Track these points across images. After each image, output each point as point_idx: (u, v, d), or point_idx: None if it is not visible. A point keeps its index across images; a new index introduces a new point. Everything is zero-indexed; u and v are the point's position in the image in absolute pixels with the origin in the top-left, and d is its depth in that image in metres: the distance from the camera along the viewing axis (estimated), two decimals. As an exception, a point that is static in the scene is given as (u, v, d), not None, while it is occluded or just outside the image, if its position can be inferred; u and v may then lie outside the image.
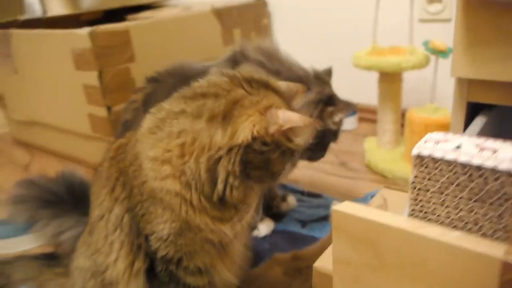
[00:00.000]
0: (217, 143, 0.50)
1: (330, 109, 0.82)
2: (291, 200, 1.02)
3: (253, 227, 0.91)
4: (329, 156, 1.31)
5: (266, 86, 0.55)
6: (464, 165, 0.34)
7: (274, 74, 0.79)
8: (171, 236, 0.56)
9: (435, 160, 0.35)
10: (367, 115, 1.57)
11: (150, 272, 0.60)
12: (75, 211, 0.90)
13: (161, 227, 0.56)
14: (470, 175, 0.34)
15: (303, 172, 1.23)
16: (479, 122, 0.66)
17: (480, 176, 0.33)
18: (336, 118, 0.83)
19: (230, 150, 0.50)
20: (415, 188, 0.37)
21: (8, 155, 1.58)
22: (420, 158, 0.36)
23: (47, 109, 1.40)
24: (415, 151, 0.36)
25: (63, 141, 1.42)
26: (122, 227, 0.59)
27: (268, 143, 0.51)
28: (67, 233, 0.88)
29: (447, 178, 0.35)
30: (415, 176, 0.37)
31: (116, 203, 0.60)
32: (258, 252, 0.87)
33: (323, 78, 0.88)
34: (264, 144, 0.51)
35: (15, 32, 1.35)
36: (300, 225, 0.96)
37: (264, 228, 0.92)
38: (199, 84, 0.55)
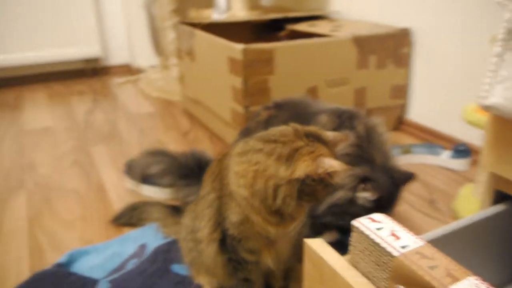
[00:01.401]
0: (281, 175, 0.76)
1: (362, 185, 0.97)
2: None
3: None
4: (422, 191, 1.44)
5: (319, 139, 0.79)
6: (372, 240, 0.54)
7: (365, 157, 0.99)
8: (236, 222, 0.84)
9: (359, 231, 0.56)
10: (483, 160, 1.59)
11: (223, 242, 0.90)
12: (200, 182, 1.27)
13: (232, 215, 0.85)
14: (374, 248, 0.54)
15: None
16: (498, 207, 0.79)
17: (376, 250, 0.53)
18: (362, 195, 0.97)
19: (289, 181, 0.76)
20: (351, 245, 0.59)
21: (176, 121, 2.08)
22: (354, 226, 0.57)
23: (207, 94, 1.82)
24: (354, 222, 0.58)
25: (213, 121, 1.84)
26: (212, 207, 0.91)
27: (316, 180, 0.75)
28: (191, 197, 1.26)
29: (364, 245, 0.56)
30: (350, 237, 0.58)
31: (213, 190, 0.91)
32: None
33: (391, 174, 1.01)
34: (313, 180, 0.75)
35: (198, 32, 1.77)
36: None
37: (328, 236, 1.15)
38: (274, 132, 0.81)
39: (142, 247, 1.14)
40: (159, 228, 1.20)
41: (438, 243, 0.70)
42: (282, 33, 2.04)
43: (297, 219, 0.83)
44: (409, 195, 1.41)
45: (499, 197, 0.81)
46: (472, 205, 1.31)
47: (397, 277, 0.53)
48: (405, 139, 1.84)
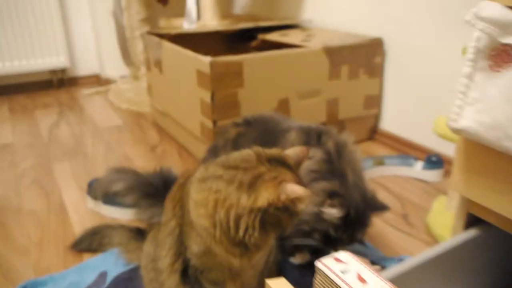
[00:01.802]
0: (242, 204, 0.70)
1: (328, 201, 0.92)
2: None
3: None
4: (396, 204, 1.41)
5: (282, 163, 0.73)
6: (337, 285, 0.49)
7: (335, 172, 0.95)
8: (198, 253, 0.78)
9: (323, 274, 0.51)
10: (456, 171, 1.57)
11: (185, 273, 0.84)
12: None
13: (194, 245, 0.78)
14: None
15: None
16: (470, 231, 0.75)
17: None
18: (328, 210, 0.92)
19: (251, 210, 0.70)
20: (315, 285, 0.54)
21: (144, 134, 2.00)
22: (317, 268, 0.52)
23: (175, 106, 1.75)
24: (317, 263, 0.52)
25: (182, 134, 1.77)
26: (173, 235, 0.84)
27: (279, 208, 0.70)
28: (156, 218, 1.19)
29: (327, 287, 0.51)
30: (316, 278, 0.53)
31: (174, 217, 0.85)
32: (284, 277, 1.05)
33: (364, 194, 0.97)
34: (276, 209, 0.70)
35: (165, 43, 1.71)
36: (331, 263, 1.11)
37: (299, 258, 1.10)
38: (234, 158, 0.76)
39: (102, 275, 1.07)
40: (120, 254, 1.12)
41: (409, 275, 0.66)
42: (254, 43, 1.99)
43: (263, 248, 0.78)
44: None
45: (472, 220, 0.77)
46: (445, 219, 1.28)
47: (363, 325, 0.48)
48: (379, 150, 1.81)
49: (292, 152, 0.76)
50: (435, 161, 1.56)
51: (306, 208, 0.73)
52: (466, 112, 0.61)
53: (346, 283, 0.49)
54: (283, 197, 0.68)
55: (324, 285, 0.52)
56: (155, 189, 1.25)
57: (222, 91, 1.41)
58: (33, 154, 1.79)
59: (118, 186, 1.29)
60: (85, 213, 1.35)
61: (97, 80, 2.84)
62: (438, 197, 1.40)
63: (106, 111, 2.31)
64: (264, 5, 2.53)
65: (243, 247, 0.75)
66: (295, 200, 0.69)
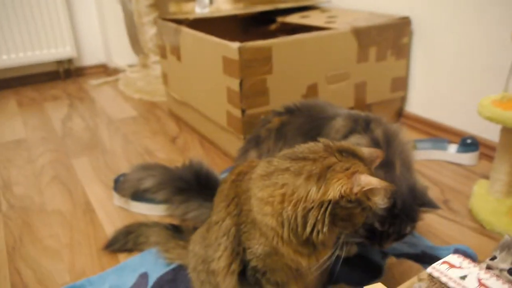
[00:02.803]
0: (312, 197, 0.65)
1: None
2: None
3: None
4: (434, 190, 1.36)
5: (354, 155, 0.67)
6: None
7: (382, 162, 0.89)
8: (262, 254, 0.73)
9: (440, 282, 0.46)
10: (492, 153, 1.52)
11: (242, 275, 0.79)
12: (199, 196, 1.14)
13: (256, 246, 0.73)
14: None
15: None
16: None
17: None
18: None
19: (321, 203, 0.64)
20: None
21: (162, 125, 1.93)
22: (431, 276, 0.47)
23: (197, 96, 1.68)
24: (429, 269, 0.47)
25: (205, 125, 1.70)
26: (228, 235, 0.78)
27: (352, 201, 0.64)
28: (191, 214, 1.13)
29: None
30: (428, 286, 0.48)
31: (228, 216, 0.79)
32: (333, 272, 1.00)
33: (413, 187, 0.91)
34: (349, 202, 0.64)
35: (184, 30, 1.62)
36: (381, 256, 1.06)
37: (347, 251, 1.05)
38: (301, 150, 0.70)
39: (143, 276, 1.02)
40: (159, 253, 1.07)
41: None
42: (273, 27, 1.91)
43: (331, 247, 0.73)
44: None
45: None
46: (489, 204, 1.24)
47: None
48: (408, 134, 1.75)
49: (368, 151, 0.70)
50: (470, 143, 1.51)
51: (381, 202, 0.67)
52: None
53: (472, 293, 0.44)
54: (356, 189, 0.62)
55: (441, 295, 0.47)
56: (187, 184, 1.20)
57: (251, 78, 1.35)
58: (49, 149, 1.72)
59: (148, 183, 1.24)
60: (113, 211, 1.30)
61: (105, 70, 2.75)
62: (478, 181, 1.35)
63: (118, 102, 2.24)
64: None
65: (311, 246, 0.70)
66: (368, 193, 0.64)
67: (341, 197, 0.63)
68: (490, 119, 1.16)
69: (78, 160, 1.62)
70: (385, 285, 0.54)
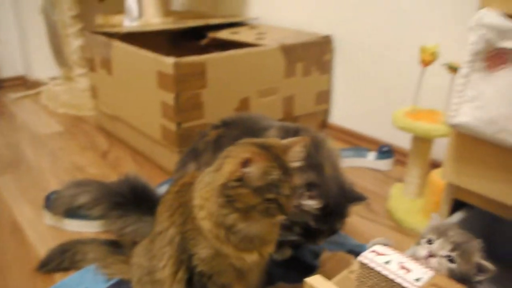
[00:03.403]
0: (214, 186, 0.71)
1: (307, 193, 0.93)
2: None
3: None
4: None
5: (263, 146, 0.71)
6: (385, 277, 0.53)
7: (312, 164, 0.97)
8: (207, 258, 0.77)
9: (368, 267, 0.55)
10: (405, 159, 1.70)
11: (189, 282, 0.83)
12: (136, 210, 1.15)
13: (201, 250, 0.77)
14: (387, 284, 0.53)
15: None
16: (456, 215, 0.83)
17: (390, 285, 0.52)
18: (307, 202, 0.93)
19: (218, 189, 0.69)
20: (358, 280, 0.57)
21: (91, 139, 1.89)
22: (361, 263, 0.56)
23: (130, 110, 1.68)
24: (359, 257, 0.56)
25: (138, 139, 1.71)
26: (172, 244, 0.82)
27: (238, 181, 0.68)
28: (129, 228, 1.14)
29: (373, 281, 0.54)
30: (358, 273, 0.57)
31: (172, 226, 0.83)
32: (270, 274, 1.06)
33: (343, 186, 0.99)
34: (236, 182, 0.68)
35: (116, 43, 1.63)
36: (314, 257, 1.15)
37: (281, 254, 1.13)
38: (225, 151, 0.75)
39: (83, 294, 1.01)
40: (98, 269, 1.07)
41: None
42: (204, 42, 1.97)
43: (272, 241, 0.79)
44: (347, 201, 1.45)
45: (455, 205, 0.85)
46: (404, 204, 1.39)
47: (412, 312, 0.52)
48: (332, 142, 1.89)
49: (284, 141, 0.74)
50: (386, 151, 1.68)
51: (261, 178, 0.68)
52: (464, 109, 0.67)
53: (393, 273, 0.53)
54: (240, 170, 0.67)
55: (369, 277, 0.56)
56: (123, 198, 1.20)
57: (186, 92, 1.39)
58: (-34, 169, 1.61)
59: (83, 199, 1.23)
60: (44, 230, 1.26)
61: (23, 82, 2.61)
62: (394, 185, 1.51)
63: (41, 117, 2.15)
64: (205, 1, 2.51)
65: (250, 240, 0.75)
66: (248, 174, 0.67)
67: (228, 179, 0.68)
68: (402, 129, 1.31)
69: (1, 179, 1.54)
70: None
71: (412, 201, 1.41)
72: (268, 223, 0.75)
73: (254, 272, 0.83)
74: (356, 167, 1.70)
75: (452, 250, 0.63)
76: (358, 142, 1.86)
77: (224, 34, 1.90)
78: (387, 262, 0.55)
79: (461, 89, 0.67)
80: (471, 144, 0.73)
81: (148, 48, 1.52)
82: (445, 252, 0.63)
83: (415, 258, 0.62)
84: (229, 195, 0.69)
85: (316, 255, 1.16)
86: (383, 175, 1.65)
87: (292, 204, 0.72)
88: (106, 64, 1.72)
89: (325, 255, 1.15)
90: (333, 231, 1.01)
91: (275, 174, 0.67)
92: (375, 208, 1.43)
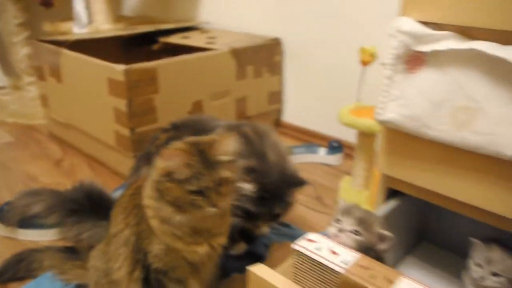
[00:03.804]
0: (151, 182, 0.76)
1: (245, 177, 0.98)
2: (265, 228, 1.25)
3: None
4: (308, 189, 1.57)
5: (192, 143, 0.76)
6: (315, 261, 0.60)
7: (255, 152, 1.01)
8: (160, 254, 0.81)
9: (301, 253, 0.61)
10: (353, 153, 1.80)
11: (145, 281, 0.86)
12: (92, 216, 1.16)
13: (155, 247, 0.81)
14: (318, 267, 0.60)
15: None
16: (390, 202, 0.92)
17: (324, 270, 0.59)
18: (243, 185, 0.97)
19: (153, 184, 0.75)
20: (294, 267, 0.64)
21: (43, 148, 1.87)
22: (295, 250, 0.62)
23: (82, 117, 1.68)
24: (293, 245, 0.62)
25: (92, 145, 1.71)
26: (128, 244, 0.85)
27: (165, 177, 0.73)
28: (85, 234, 1.15)
29: (306, 266, 0.61)
30: (293, 259, 0.63)
31: (127, 227, 0.86)
32: (225, 267, 1.11)
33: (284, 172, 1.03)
34: (164, 176, 0.73)
35: (64, 52, 1.62)
36: (266, 249, 1.21)
37: (237, 249, 1.18)
38: None
39: (41, 302, 1.02)
40: (55, 276, 1.08)
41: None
42: (155, 47, 1.99)
43: (223, 233, 0.83)
44: (298, 195, 1.52)
45: (389, 193, 0.94)
46: (352, 196, 1.48)
47: (343, 290, 0.58)
48: (284, 141, 1.96)
49: (216, 135, 0.81)
50: (336, 146, 1.77)
51: (182, 172, 0.73)
52: (389, 107, 0.75)
53: (323, 257, 0.60)
54: (162, 164, 0.73)
55: (303, 263, 0.62)
56: (78, 205, 1.22)
57: (138, 98, 1.42)
58: None
59: (37, 208, 1.23)
60: (-3, 242, 1.25)
61: (-32, 93, 2.52)
62: (343, 178, 1.60)
63: (-11, 127, 2.09)
64: (155, 6, 2.52)
65: (198, 233, 0.79)
66: (170, 169, 0.72)
67: (158, 175, 0.73)
68: (347, 125, 1.40)
69: (-52, 193, 1.50)
70: (268, 266, 0.67)
71: (359, 192, 1.50)
72: (203, 216, 0.76)
73: (207, 266, 0.88)
74: (308, 162, 1.78)
75: (356, 224, 0.72)
76: (311, 139, 1.94)
77: (175, 39, 1.93)
78: (318, 249, 0.62)
79: (386, 89, 0.75)
80: (400, 138, 0.81)
81: (99, 54, 1.53)
82: (350, 227, 0.72)
83: (328, 237, 0.70)
84: (160, 189, 0.74)
85: (267, 247, 1.22)
86: (333, 169, 1.74)
87: (222, 197, 0.74)
88: (56, 73, 1.71)
89: (275, 246, 1.21)
90: (274, 216, 1.04)
91: (196, 167, 0.72)
92: (326, 201, 1.51)
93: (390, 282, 0.57)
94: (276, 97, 1.96)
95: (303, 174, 1.65)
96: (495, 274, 0.83)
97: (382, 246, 0.73)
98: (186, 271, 0.84)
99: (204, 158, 0.73)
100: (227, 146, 0.76)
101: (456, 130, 0.70)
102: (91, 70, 1.51)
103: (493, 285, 0.84)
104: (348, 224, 0.72)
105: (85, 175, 1.63)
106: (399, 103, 0.73)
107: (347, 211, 0.75)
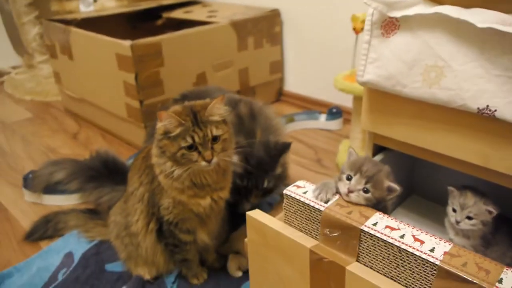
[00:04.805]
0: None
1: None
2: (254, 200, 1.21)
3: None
4: (310, 152, 1.67)
5: (186, 106, 0.86)
6: (303, 202, 0.70)
7: (245, 132, 1.08)
8: (169, 207, 0.92)
9: (290, 197, 0.72)
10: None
11: (160, 232, 0.98)
12: (110, 181, 1.29)
13: (165, 201, 0.92)
14: (305, 208, 0.70)
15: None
16: (377, 157, 1.01)
17: (309, 209, 0.70)
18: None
19: (155, 142, 0.86)
20: (284, 209, 0.74)
21: (60, 123, 1.99)
22: (285, 194, 0.73)
23: (94, 92, 1.79)
24: (284, 191, 0.73)
25: (105, 118, 1.82)
26: (143, 200, 0.97)
27: (162, 135, 0.84)
28: (105, 197, 1.27)
29: (295, 207, 0.71)
30: (284, 203, 0.74)
31: (141, 185, 0.97)
32: (234, 223, 1.21)
33: (268, 147, 1.09)
34: (162, 134, 0.84)
35: (74, 30, 1.71)
36: (270, 208, 1.33)
37: (243, 208, 1.29)
38: None
39: (69, 255, 1.15)
40: (80, 234, 1.21)
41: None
42: (159, 22, 2.07)
43: (217, 187, 0.91)
44: (300, 159, 1.63)
45: (376, 149, 1.03)
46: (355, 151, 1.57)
47: (325, 226, 0.69)
48: (287, 109, 2.06)
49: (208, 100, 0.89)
50: (335, 112, 1.85)
51: (173, 129, 0.83)
52: (368, 69, 0.84)
53: (309, 199, 0.70)
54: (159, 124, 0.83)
55: (292, 205, 0.72)
56: (97, 172, 1.34)
57: (145, 71, 1.51)
58: None
59: (59, 175, 1.35)
60: (26, 207, 1.38)
61: (-16, 73, 2.64)
62: (342, 141, 1.69)
63: (8, 105, 2.21)
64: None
65: (200, 187, 0.89)
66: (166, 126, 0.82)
67: (158, 133, 0.84)
68: (342, 90, 1.48)
69: (-23, 166, 1.64)
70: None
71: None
72: (199, 169, 0.85)
73: (213, 218, 0.99)
74: (310, 129, 1.87)
75: (366, 183, 0.73)
76: (312, 106, 2.02)
77: (178, 14, 2.00)
78: (305, 192, 0.72)
79: (365, 53, 0.83)
80: (379, 97, 0.89)
81: (106, 32, 1.62)
82: (360, 186, 0.72)
83: (338, 193, 0.74)
84: (160, 146, 0.84)
85: (271, 205, 1.33)
86: (334, 134, 1.83)
87: (216, 152, 0.83)
88: (67, 50, 1.81)
89: (278, 203, 1.32)
90: (263, 190, 1.10)
91: (188, 126, 0.82)
92: (327, 164, 1.61)
93: (366, 217, 0.67)
94: (277, 67, 2.04)
95: (306, 139, 1.77)
96: (469, 218, 0.92)
97: (389, 197, 0.75)
98: (194, 222, 0.96)
99: (196, 118, 0.82)
100: (218, 109, 0.85)
101: (427, 87, 0.78)
102: (99, 47, 1.60)
103: (468, 228, 0.93)
104: (359, 183, 0.72)
105: (100, 145, 1.75)
106: (377, 65, 0.82)
107: (358, 168, 0.74)
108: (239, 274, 1.06)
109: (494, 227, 0.95)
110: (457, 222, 0.93)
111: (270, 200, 1.35)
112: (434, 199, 1.18)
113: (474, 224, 0.92)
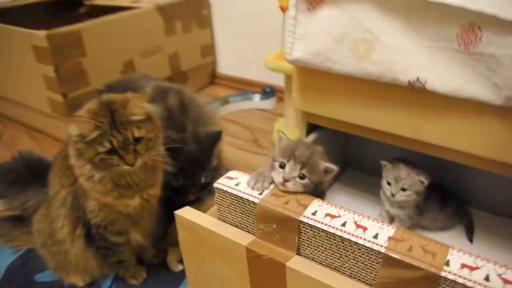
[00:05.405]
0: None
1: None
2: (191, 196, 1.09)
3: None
4: (246, 133, 1.57)
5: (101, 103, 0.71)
6: (236, 195, 0.60)
7: (175, 126, 0.95)
8: (94, 210, 0.78)
9: (221, 190, 0.61)
10: (285, 96, 1.80)
11: (88, 236, 0.83)
12: (35, 184, 1.10)
13: (90, 204, 0.77)
14: (238, 201, 0.60)
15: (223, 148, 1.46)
16: (311, 136, 0.92)
17: (243, 202, 0.59)
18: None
19: (72, 144, 0.71)
20: (217, 203, 0.63)
21: (-19, 123, 1.73)
22: (216, 188, 0.62)
23: (15, 88, 1.54)
24: (215, 184, 0.62)
25: (29, 115, 1.58)
26: (66, 205, 0.82)
27: (78, 138, 0.69)
28: (31, 202, 1.08)
29: (228, 201, 0.61)
30: (216, 197, 0.63)
31: (62, 188, 0.82)
32: (171, 216, 1.08)
33: (200, 140, 0.96)
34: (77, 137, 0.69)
35: (-17, 22, 1.46)
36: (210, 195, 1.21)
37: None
38: None
39: (-9, 270, 0.97)
40: (4, 244, 1.03)
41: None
42: (82, 10, 1.83)
43: (146, 186, 0.78)
44: (237, 140, 1.53)
45: (310, 127, 0.95)
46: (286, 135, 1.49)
47: (261, 219, 0.59)
48: (221, 91, 1.93)
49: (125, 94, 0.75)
50: (268, 91, 1.75)
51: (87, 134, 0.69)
52: (296, 46, 0.73)
53: (242, 192, 0.59)
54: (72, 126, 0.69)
55: (224, 199, 0.61)
56: (20, 175, 1.15)
57: (66, 63, 1.31)
58: None
59: (-23, 183, 1.14)
60: None
61: None
62: (277, 120, 1.60)
63: None
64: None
65: (126, 187, 0.75)
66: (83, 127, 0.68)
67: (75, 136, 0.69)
68: (273, 69, 1.38)
69: None
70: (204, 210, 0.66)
71: (291, 132, 1.51)
72: (121, 172, 0.73)
73: (145, 216, 0.85)
74: (245, 109, 1.76)
75: (301, 168, 0.63)
76: (246, 87, 1.91)
77: (101, 0, 1.78)
78: (237, 184, 0.61)
79: (292, 29, 0.73)
80: (309, 75, 0.80)
81: (25, 23, 1.38)
82: (296, 173, 0.63)
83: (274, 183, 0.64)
84: (77, 148, 0.70)
85: (210, 192, 1.21)
86: (268, 113, 1.74)
87: (140, 155, 0.71)
88: (-21, 45, 1.54)
89: (210, 196, 1.20)
90: (200, 185, 0.98)
91: (105, 129, 0.67)
92: (263, 143, 1.52)
93: (304, 206, 0.58)
94: (208, 50, 1.89)
95: (242, 121, 1.66)
96: (403, 189, 0.87)
97: (326, 178, 0.66)
98: (125, 223, 0.82)
99: (114, 118, 0.68)
100: (139, 108, 0.71)
101: (357, 62, 0.70)
102: (15, 39, 1.37)
103: (403, 199, 0.89)
104: (294, 169, 0.62)
105: (27, 145, 1.53)
106: (304, 42, 0.72)
107: (291, 153, 0.64)
108: (180, 267, 0.94)
109: (425, 195, 0.91)
110: (393, 195, 0.89)
111: (212, 188, 1.23)
112: (369, 171, 1.13)
113: (409, 195, 0.88)
